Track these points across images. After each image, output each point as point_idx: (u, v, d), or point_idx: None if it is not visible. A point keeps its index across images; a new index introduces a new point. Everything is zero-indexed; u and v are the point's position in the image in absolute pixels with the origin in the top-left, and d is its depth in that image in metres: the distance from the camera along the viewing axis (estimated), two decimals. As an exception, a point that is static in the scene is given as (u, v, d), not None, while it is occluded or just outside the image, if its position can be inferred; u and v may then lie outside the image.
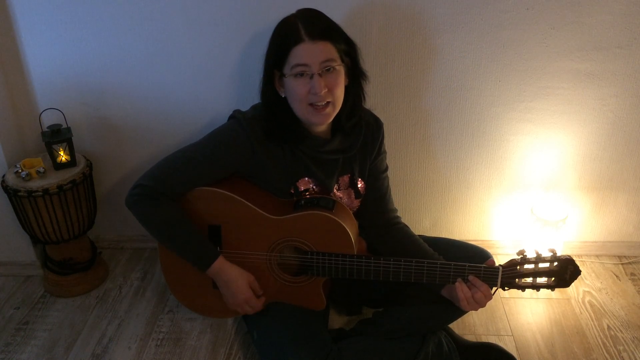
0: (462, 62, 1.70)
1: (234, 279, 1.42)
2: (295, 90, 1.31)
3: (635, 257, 2.02)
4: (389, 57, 1.70)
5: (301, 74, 1.29)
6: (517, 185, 1.92)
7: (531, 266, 1.36)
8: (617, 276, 1.94)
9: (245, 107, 1.47)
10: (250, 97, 1.76)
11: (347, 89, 1.38)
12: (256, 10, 1.63)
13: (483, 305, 1.37)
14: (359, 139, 1.47)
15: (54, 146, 1.70)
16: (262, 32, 1.66)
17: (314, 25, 1.28)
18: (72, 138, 1.72)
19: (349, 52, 1.35)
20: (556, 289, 1.40)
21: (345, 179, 1.51)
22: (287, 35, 1.29)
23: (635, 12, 1.59)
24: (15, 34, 1.71)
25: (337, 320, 1.74)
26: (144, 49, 1.71)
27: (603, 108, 1.75)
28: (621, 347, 1.64)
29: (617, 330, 1.70)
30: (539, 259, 1.36)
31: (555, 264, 1.36)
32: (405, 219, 1.60)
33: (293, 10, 1.35)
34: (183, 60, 1.72)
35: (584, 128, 1.79)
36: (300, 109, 1.34)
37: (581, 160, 1.86)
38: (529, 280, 1.38)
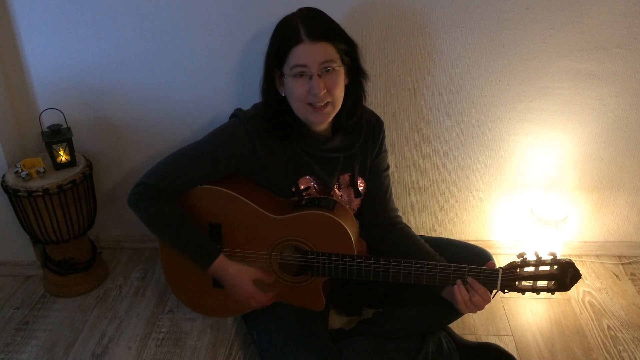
0: (462, 62, 1.70)
1: (235, 276, 1.42)
2: (294, 90, 1.31)
3: (635, 257, 2.02)
4: (389, 56, 1.70)
5: (301, 75, 1.29)
6: (517, 185, 1.92)
7: (531, 269, 1.36)
8: (617, 276, 1.94)
9: (245, 107, 1.47)
10: (250, 96, 1.75)
11: (348, 88, 1.38)
12: (256, 9, 1.63)
13: (481, 308, 1.37)
14: (360, 138, 1.47)
15: (54, 146, 1.70)
16: (262, 31, 1.66)
17: (314, 25, 1.27)
18: (72, 138, 1.72)
19: (349, 51, 1.34)
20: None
21: (346, 177, 1.51)
22: (287, 35, 1.29)
23: (635, 12, 1.59)
24: (15, 34, 1.70)
25: (337, 320, 1.74)
26: (144, 48, 1.71)
27: (603, 108, 1.75)
28: (621, 347, 1.64)
29: (617, 330, 1.70)
30: (539, 261, 1.35)
31: (556, 267, 1.35)
32: (405, 219, 1.60)
33: (293, 9, 1.35)
34: (183, 60, 1.72)
35: (584, 128, 1.79)
36: (299, 109, 1.34)
37: (581, 160, 1.86)
38: (529, 283, 1.37)
